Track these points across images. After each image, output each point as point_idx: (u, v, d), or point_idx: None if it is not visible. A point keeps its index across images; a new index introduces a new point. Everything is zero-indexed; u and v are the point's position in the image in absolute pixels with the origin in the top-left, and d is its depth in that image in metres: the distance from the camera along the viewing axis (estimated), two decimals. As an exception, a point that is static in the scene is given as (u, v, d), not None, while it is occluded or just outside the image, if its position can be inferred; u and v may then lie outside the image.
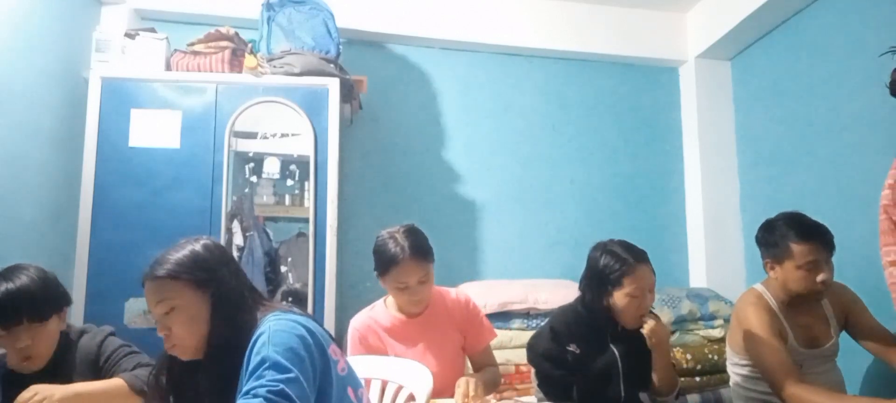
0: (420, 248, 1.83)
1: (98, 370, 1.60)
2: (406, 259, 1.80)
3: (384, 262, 1.83)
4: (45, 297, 1.54)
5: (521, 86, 3.40)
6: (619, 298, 1.78)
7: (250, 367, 1.12)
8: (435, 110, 3.31)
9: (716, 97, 3.43)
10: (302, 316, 1.25)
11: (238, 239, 2.58)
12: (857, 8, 2.57)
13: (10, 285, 1.49)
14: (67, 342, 1.62)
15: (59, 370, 1.56)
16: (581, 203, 3.36)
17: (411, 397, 1.68)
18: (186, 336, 1.24)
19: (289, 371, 1.09)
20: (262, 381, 1.07)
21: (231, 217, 2.56)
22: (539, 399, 1.86)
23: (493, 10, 3.32)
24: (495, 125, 3.35)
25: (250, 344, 1.16)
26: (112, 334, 1.69)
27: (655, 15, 3.47)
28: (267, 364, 1.09)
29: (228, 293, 1.26)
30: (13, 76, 2.24)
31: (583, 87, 3.47)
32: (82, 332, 1.67)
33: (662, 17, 3.48)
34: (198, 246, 1.29)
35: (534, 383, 1.95)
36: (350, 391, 1.28)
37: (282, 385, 1.06)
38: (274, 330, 1.15)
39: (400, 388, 1.73)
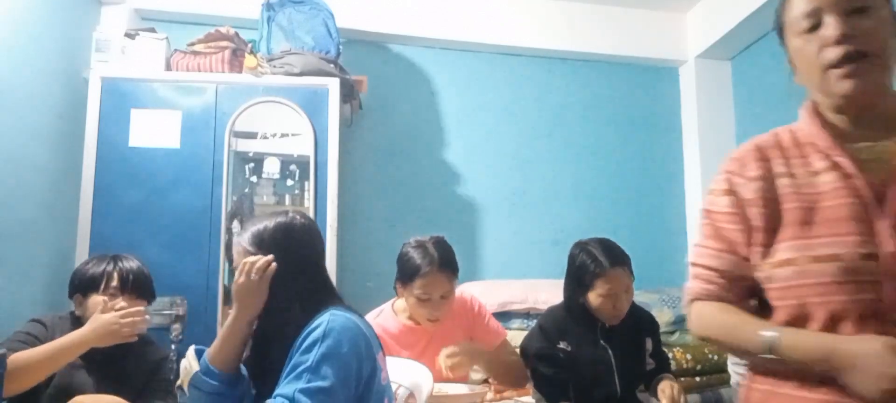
0: (449, 262, 1.83)
1: (146, 381, 1.70)
2: (434, 270, 1.79)
3: (410, 271, 1.82)
4: (151, 284, 1.77)
5: (521, 86, 3.40)
6: (592, 298, 1.80)
7: (293, 361, 1.11)
8: (435, 110, 3.31)
9: (716, 97, 3.43)
10: (360, 317, 1.22)
11: (238, 239, 2.58)
12: (857, 8, 2.57)
13: (141, 266, 1.72)
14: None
15: (121, 356, 1.67)
16: (581, 203, 3.36)
17: (411, 396, 1.68)
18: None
19: (326, 378, 1.08)
20: (299, 385, 1.06)
21: (231, 217, 2.56)
22: (537, 401, 1.86)
23: (493, 10, 3.31)
24: (495, 125, 3.35)
25: (305, 332, 1.14)
26: (171, 361, 1.79)
27: (655, 15, 3.47)
28: (308, 366, 1.08)
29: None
30: (13, 76, 2.23)
31: (583, 87, 3.47)
32: (149, 341, 1.79)
33: (662, 17, 3.48)
34: (271, 223, 1.28)
35: (530, 384, 1.95)
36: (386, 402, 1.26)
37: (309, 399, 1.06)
38: (330, 327, 1.13)
39: (399, 388, 1.73)
